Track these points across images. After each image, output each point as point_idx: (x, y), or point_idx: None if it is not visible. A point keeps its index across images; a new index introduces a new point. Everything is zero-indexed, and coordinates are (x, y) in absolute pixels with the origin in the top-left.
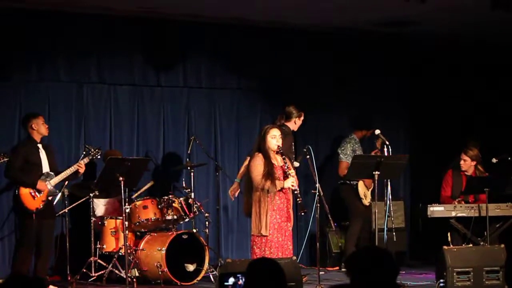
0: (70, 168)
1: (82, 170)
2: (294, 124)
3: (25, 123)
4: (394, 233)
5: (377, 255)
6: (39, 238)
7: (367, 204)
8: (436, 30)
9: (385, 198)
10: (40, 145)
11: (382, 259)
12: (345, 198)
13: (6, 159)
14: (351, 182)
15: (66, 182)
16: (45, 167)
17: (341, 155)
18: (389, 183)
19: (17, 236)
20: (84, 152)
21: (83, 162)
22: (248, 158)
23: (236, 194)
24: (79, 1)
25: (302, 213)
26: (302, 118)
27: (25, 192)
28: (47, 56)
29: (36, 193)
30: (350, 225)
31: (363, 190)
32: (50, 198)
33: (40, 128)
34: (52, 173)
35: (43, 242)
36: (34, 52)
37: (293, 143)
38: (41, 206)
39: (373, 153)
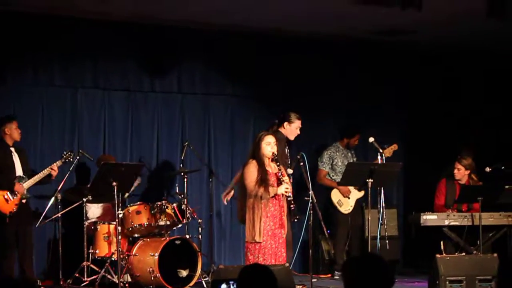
0: (43, 171)
1: (55, 173)
2: (284, 128)
3: None
4: (387, 241)
5: (374, 263)
6: (19, 245)
7: (345, 211)
8: (432, 38)
9: (378, 206)
10: (12, 149)
11: (380, 268)
12: (328, 205)
13: None
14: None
15: (60, 187)
16: (18, 170)
17: (318, 163)
18: (382, 190)
19: None
20: (77, 157)
21: (55, 165)
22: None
23: (229, 198)
24: (75, 6)
25: (295, 220)
26: (294, 124)
27: None
28: (42, 60)
29: (10, 196)
30: (335, 234)
31: (337, 197)
32: (23, 201)
33: (12, 133)
34: (25, 177)
35: (22, 249)
36: (29, 56)
37: (286, 149)
38: (15, 210)
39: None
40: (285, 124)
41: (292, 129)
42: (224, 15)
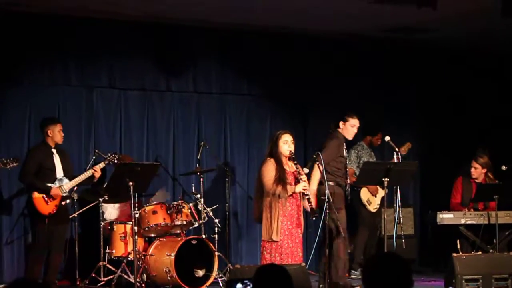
0: (85, 173)
1: (98, 175)
2: (340, 129)
3: (42, 127)
4: (403, 240)
5: (396, 262)
6: (50, 243)
7: (373, 210)
8: (447, 37)
9: (395, 205)
10: (54, 150)
11: (401, 268)
12: (353, 204)
13: (16, 163)
14: (356, 188)
15: (76, 187)
16: (59, 172)
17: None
18: (398, 189)
19: (28, 241)
20: (94, 157)
21: (98, 167)
22: None
23: None
24: (91, 6)
25: (313, 218)
26: (348, 122)
27: (38, 196)
28: (58, 60)
29: (49, 198)
30: (357, 232)
31: (367, 196)
32: (63, 203)
33: (55, 136)
34: (66, 178)
35: (53, 247)
36: (45, 56)
37: (344, 150)
38: (54, 211)
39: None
40: (341, 123)
41: (347, 128)
42: (238, 14)
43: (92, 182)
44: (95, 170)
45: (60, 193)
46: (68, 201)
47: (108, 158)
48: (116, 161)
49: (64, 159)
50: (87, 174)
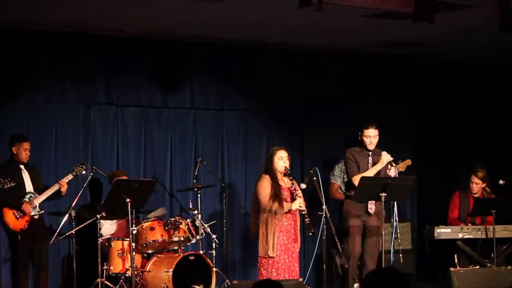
0: (53, 187)
1: (64, 189)
2: (359, 139)
3: (10, 143)
4: (401, 255)
5: (395, 278)
6: (32, 262)
7: None
8: (444, 53)
9: (392, 220)
10: (22, 166)
11: (400, 283)
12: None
13: (13, 183)
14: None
15: (73, 204)
16: (28, 187)
17: (330, 177)
18: (395, 204)
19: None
20: (91, 173)
21: (64, 180)
22: None
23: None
24: (87, 22)
25: (310, 233)
26: (364, 133)
27: (9, 213)
28: (55, 77)
29: (20, 213)
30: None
31: None
32: (35, 217)
33: (20, 154)
34: (35, 193)
35: (36, 267)
36: (42, 73)
37: (365, 160)
38: (26, 227)
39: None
40: (359, 135)
41: (364, 139)
42: (235, 30)
43: (60, 196)
44: (60, 184)
45: (30, 208)
46: (65, 218)
47: (76, 169)
48: (83, 172)
49: (34, 174)
50: (55, 187)
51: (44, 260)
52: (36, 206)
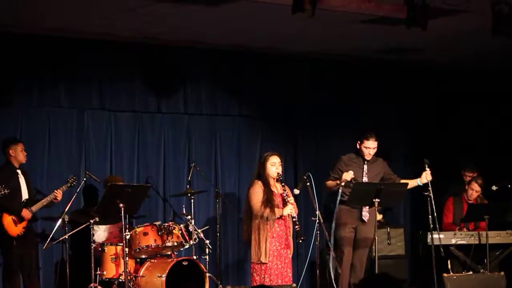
0: (48, 197)
1: (59, 199)
2: (358, 148)
3: (3, 148)
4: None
5: (389, 283)
6: (22, 269)
7: None
8: (436, 58)
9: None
10: (19, 171)
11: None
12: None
13: (7, 190)
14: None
15: (67, 209)
16: (24, 193)
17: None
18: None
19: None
20: (84, 179)
21: (60, 191)
22: None
23: None
24: (80, 27)
25: (300, 241)
26: (362, 143)
27: (7, 218)
28: (48, 81)
29: (18, 219)
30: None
31: None
32: (30, 224)
33: (18, 155)
34: (30, 200)
35: (25, 274)
36: (35, 77)
37: (363, 167)
38: (22, 233)
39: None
40: (358, 144)
41: (362, 148)
42: (228, 35)
43: (53, 205)
44: (56, 194)
45: (30, 215)
46: (59, 223)
47: (70, 180)
48: (75, 183)
49: (28, 180)
50: (51, 197)
51: (34, 268)
52: (34, 213)
